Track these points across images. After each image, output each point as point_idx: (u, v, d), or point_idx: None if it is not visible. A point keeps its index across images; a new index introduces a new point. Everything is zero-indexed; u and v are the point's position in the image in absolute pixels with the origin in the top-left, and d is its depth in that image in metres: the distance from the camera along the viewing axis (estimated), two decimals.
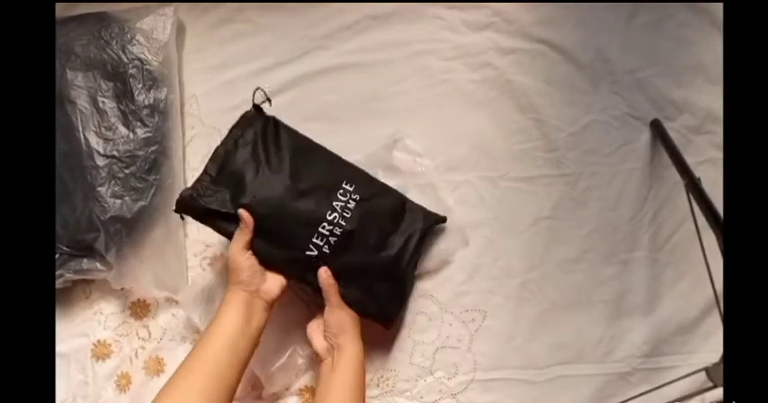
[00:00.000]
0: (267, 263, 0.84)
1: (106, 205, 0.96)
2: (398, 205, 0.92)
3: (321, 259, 0.84)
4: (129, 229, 0.96)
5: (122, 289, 1.02)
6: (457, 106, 1.04)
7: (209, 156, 0.86)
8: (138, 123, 0.99)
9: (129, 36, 1.02)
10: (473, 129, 1.03)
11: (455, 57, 1.06)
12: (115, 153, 0.97)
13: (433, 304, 0.97)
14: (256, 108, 0.89)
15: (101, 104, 0.99)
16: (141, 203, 0.96)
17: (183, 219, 0.90)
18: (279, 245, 0.83)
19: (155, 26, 1.03)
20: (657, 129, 0.99)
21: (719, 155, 1.00)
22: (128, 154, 0.98)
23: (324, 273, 0.84)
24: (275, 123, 0.90)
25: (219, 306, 0.81)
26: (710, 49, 1.03)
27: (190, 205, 0.84)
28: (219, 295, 0.96)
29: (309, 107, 1.07)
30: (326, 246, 0.84)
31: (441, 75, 1.05)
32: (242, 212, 0.82)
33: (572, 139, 1.01)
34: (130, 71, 1.01)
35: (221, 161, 0.85)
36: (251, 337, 0.79)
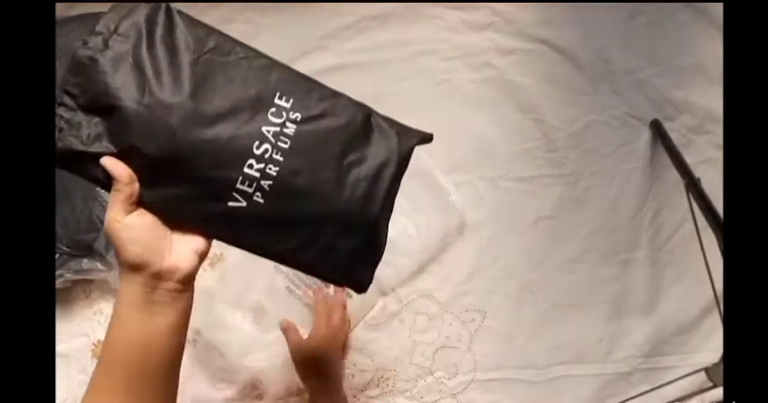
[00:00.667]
0: (173, 221, 0.57)
1: (106, 205, 0.95)
2: (361, 122, 0.63)
3: (253, 212, 0.58)
4: None
5: None
6: (457, 106, 1.04)
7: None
8: None
9: None
10: (473, 129, 1.03)
11: (455, 57, 1.06)
12: None
13: (433, 304, 0.97)
14: None
15: None
16: None
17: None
18: (187, 197, 0.57)
19: None
20: (657, 130, 0.99)
21: (719, 155, 1.00)
22: None
23: (318, 294, 0.84)
24: (168, 12, 0.59)
25: (115, 302, 0.58)
26: (710, 49, 1.03)
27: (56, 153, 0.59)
28: (220, 296, 0.96)
29: None
30: (259, 193, 0.57)
31: (441, 75, 1.05)
32: (106, 163, 0.55)
33: (572, 139, 1.01)
34: None
35: (87, 75, 0.57)
36: (166, 339, 0.56)
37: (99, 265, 0.97)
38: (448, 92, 1.05)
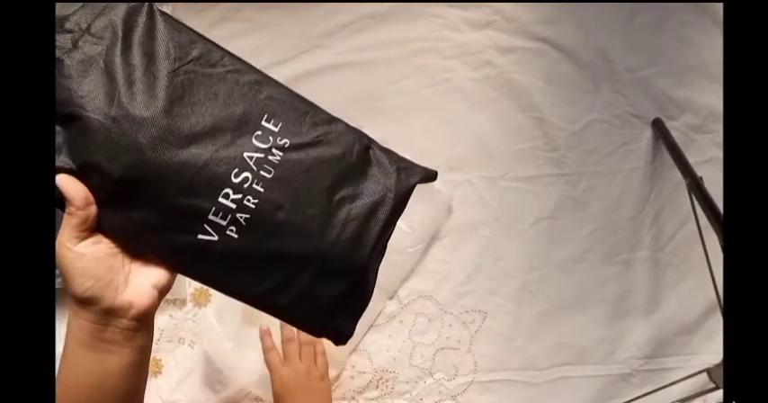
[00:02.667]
0: (133, 250, 0.51)
1: None
2: (357, 154, 0.56)
3: (225, 249, 0.50)
4: None
5: None
6: (457, 105, 1.04)
7: None
8: None
9: None
10: (473, 128, 1.03)
11: (455, 55, 1.05)
12: None
13: (433, 305, 0.97)
14: None
15: None
16: None
17: None
18: (151, 225, 0.50)
19: None
20: (659, 129, 0.99)
21: (721, 154, 1.00)
22: None
23: (265, 335, 0.83)
24: (150, 13, 0.51)
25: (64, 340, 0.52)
26: (712, 48, 1.03)
27: None
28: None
29: None
30: (233, 227, 0.50)
31: (440, 73, 1.05)
32: (62, 182, 0.49)
33: (573, 139, 1.01)
34: None
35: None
36: (121, 378, 0.51)
37: None
38: (448, 91, 1.04)
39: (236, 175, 0.50)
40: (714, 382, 0.72)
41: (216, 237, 0.50)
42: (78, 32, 0.51)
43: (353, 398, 0.93)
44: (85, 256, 0.48)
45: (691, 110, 1.01)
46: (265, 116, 0.52)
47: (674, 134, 0.97)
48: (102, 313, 0.48)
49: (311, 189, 0.52)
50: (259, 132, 0.51)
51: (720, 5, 1.02)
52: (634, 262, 0.97)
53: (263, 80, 0.55)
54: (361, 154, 0.56)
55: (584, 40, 1.04)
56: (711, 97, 1.01)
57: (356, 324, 0.57)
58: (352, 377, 0.94)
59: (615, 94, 1.02)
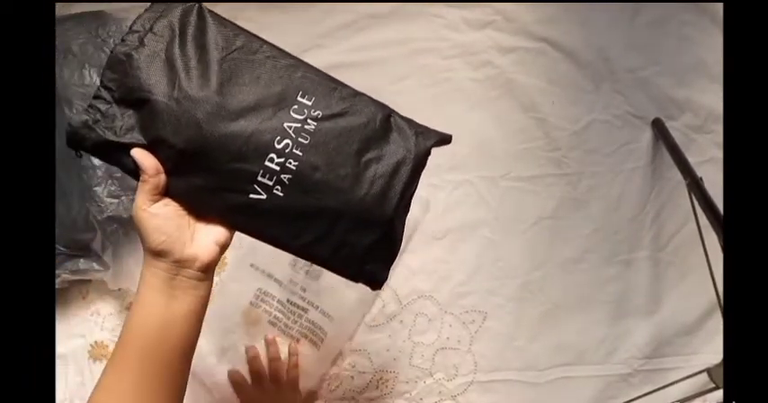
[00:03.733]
0: (196, 211, 0.60)
1: (103, 205, 0.95)
2: (380, 121, 0.64)
3: (273, 205, 0.60)
4: (127, 229, 0.95)
5: (119, 289, 1.01)
6: (457, 105, 1.04)
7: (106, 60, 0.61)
8: None
9: None
10: (474, 128, 1.03)
11: (456, 55, 1.05)
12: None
13: (433, 305, 0.96)
14: None
15: None
16: None
17: (79, 156, 0.64)
18: (210, 188, 0.59)
19: None
20: (659, 129, 0.99)
21: (721, 154, 1.00)
22: None
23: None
24: (200, 12, 0.62)
25: (137, 286, 0.59)
26: (712, 48, 1.03)
27: (84, 137, 0.60)
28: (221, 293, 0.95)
29: None
30: (279, 187, 0.59)
31: (441, 73, 1.05)
32: (137, 154, 0.57)
33: (573, 139, 1.01)
34: None
35: (123, 70, 0.59)
36: (183, 324, 0.59)
37: (95, 265, 0.96)
38: (448, 91, 1.04)
39: (279, 142, 0.59)
40: (714, 382, 0.72)
41: (264, 196, 0.59)
42: (143, 32, 0.60)
43: (353, 398, 0.93)
44: (158, 216, 0.56)
45: (691, 110, 1.01)
46: (300, 92, 0.61)
47: (674, 134, 0.97)
48: (173, 263, 0.57)
49: (342, 152, 0.61)
50: (296, 106, 0.60)
51: (720, 5, 1.02)
52: (634, 262, 0.97)
53: (297, 63, 0.64)
54: (384, 121, 0.64)
55: (585, 41, 1.04)
56: (711, 97, 1.01)
57: (388, 270, 0.65)
58: (352, 377, 0.94)
59: (615, 94, 1.02)
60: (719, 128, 1.01)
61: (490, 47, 1.05)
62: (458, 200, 1.00)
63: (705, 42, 1.04)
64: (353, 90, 0.66)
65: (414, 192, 0.64)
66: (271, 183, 0.59)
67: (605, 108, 1.02)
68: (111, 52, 0.60)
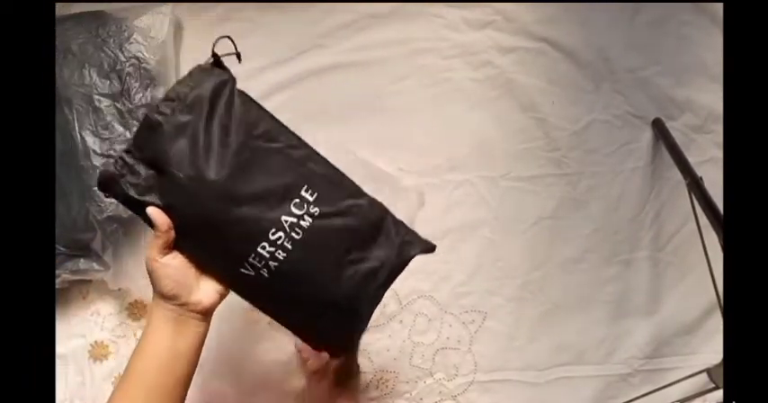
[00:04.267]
0: (197, 266, 0.67)
1: (102, 205, 0.95)
2: (372, 224, 0.69)
3: (258, 281, 0.66)
4: (127, 229, 0.95)
5: (120, 289, 1.01)
6: (457, 105, 1.04)
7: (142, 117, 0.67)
8: (135, 122, 0.98)
9: (126, 34, 1.01)
10: (474, 128, 1.03)
11: (455, 55, 1.05)
12: (112, 152, 0.97)
13: (433, 305, 0.96)
14: (215, 60, 0.69)
15: (97, 103, 0.99)
16: None
17: (107, 196, 0.68)
18: (209, 254, 0.66)
19: (152, 24, 1.02)
20: (659, 129, 0.99)
21: (721, 154, 1.00)
22: None
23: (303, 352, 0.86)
24: (231, 90, 0.67)
25: (146, 321, 0.69)
26: (712, 48, 1.03)
27: (111, 188, 0.65)
28: None
29: (308, 106, 1.06)
30: (265, 271, 0.66)
31: (441, 73, 1.05)
32: (152, 213, 0.64)
33: (573, 139, 1.01)
34: (127, 70, 1.00)
35: (152, 136, 0.64)
36: (186, 358, 0.66)
37: (95, 265, 0.96)
38: (448, 91, 1.04)
39: (273, 234, 0.65)
40: (714, 382, 0.72)
41: (252, 273, 0.66)
42: (177, 103, 0.64)
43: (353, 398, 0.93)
44: (168, 266, 0.64)
45: (691, 110, 1.01)
46: (305, 187, 0.66)
47: (674, 134, 0.97)
48: (179, 305, 0.65)
49: (328, 250, 0.67)
50: (297, 200, 0.66)
51: (720, 5, 1.01)
52: (634, 262, 0.97)
53: (311, 155, 0.69)
54: (376, 224, 0.70)
55: (585, 40, 1.04)
56: (711, 97, 1.01)
57: (346, 343, 0.75)
58: None
59: (616, 94, 1.02)
60: (719, 128, 1.01)
61: (490, 47, 1.05)
62: (458, 200, 1.00)
63: (705, 42, 1.03)
64: (356, 189, 0.70)
65: (385, 291, 0.70)
66: (259, 265, 0.65)
67: (605, 108, 1.02)
68: (146, 116, 0.64)
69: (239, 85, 1.14)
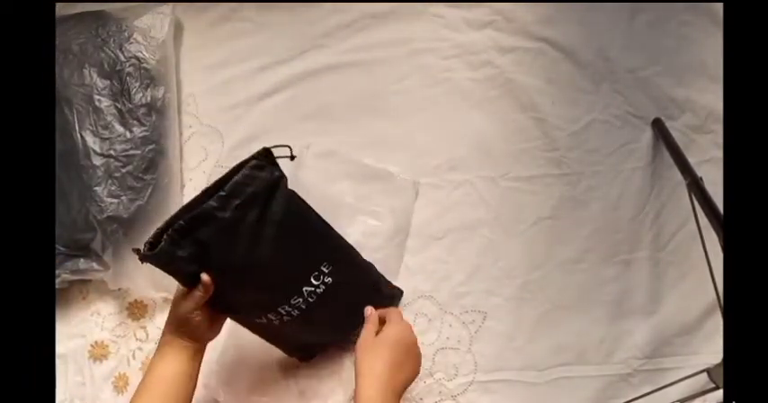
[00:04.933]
0: (219, 310, 0.80)
1: (103, 205, 0.95)
2: (370, 288, 0.90)
3: (272, 326, 0.82)
4: (126, 229, 0.95)
5: (119, 289, 1.02)
6: (457, 105, 1.04)
7: (202, 191, 0.74)
8: (135, 122, 0.99)
9: (126, 34, 1.02)
10: (473, 128, 1.03)
11: (455, 55, 1.05)
12: (112, 152, 0.97)
13: (433, 305, 0.96)
14: (268, 156, 0.77)
15: (97, 103, 0.99)
16: (138, 203, 0.96)
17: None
18: (235, 306, 0.81)
19: (152, 24, 1.03)
20: (659, 129, 0.99)
21: (722, 154, 1.00)
22: (124, 153, 0.97)
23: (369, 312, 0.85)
24: (282, 189, 0.78)
25: (159, 349, 0.78)
26: (712, 48, 1.03)
27: (164, 262, 0.73)
28: None
29: (308, 106, 1.06)
30: (278, 321, 0.81)
31: (441, 73, 1.05)
32: (205, 278, 0.73)
33: (573, 139, 1.01)
34: (127, 69, 1.00)
35: (206, 222, 0.72)
36: (193, 381, 0.79)
37: (95, 265, 0.96)
38: (448, 90, 1.04)
39: (294, 299, 0.79)
40: (714, 382, 0.72)
41: (265, 321, 0.81)
42: (232, 200, 0.72)
43: (353, 398, 0.93)
44: (197, 316, 0.76)
45: (691, 110, 1.01)
46: (325, 263, 0.81)
47: (674, 134, 0.97)
48: (194, 340, 0.78)
49: (335, 309, 0.84)
50: (316, 273, 0.80)
51: (720, 5, 1.01)
52: (634, 262, 0.97)
53: (328, 233, 0.85)
54: (373, 288, 0.91)
55: (585, 40, 1.04)
56: (711, 97, 1.01)
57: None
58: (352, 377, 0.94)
59: (615, 94, 1.02)
60: (719, 128, 1.01)
61: (490, 47, 1.05)
62: (457, 200, 1.00)
63: (705, 42, 1.03)
64: (361, 259, 0.89)
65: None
66: (274, 318, 0.80)
67: (605, 108, 1.02)
68: (204, 206, 0.72)
69: (240, 84, 1.15)
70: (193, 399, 0.79)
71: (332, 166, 1.01)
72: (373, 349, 0.77)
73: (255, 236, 0.74)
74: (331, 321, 0.86)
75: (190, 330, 0.77)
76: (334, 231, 0.85)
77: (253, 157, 0.75)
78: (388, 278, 0.95)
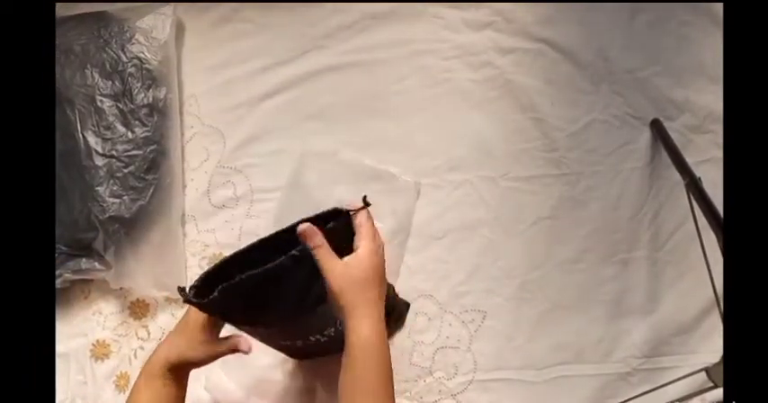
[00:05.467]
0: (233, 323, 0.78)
1: (105, 205, 0.95)
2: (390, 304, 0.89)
3: (293, 347, 0.85)
4: (128, 229, 0.96)
5: (121, 288, 1.02)
6: (457, 106, 1.04)
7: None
8: (137, 122, 0.99)
9: (128, 35, 1.02)
10: (473, 128, 1.03)
11: (455, 56, 1.05)
12: (114, 152, 0.97)
13: (433, 304, 0.97)
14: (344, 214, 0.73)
15: (99, 104, 0.99)
16: (140, 203, 0.96)
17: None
18: (254, 329, 0.79)
19: (154, 25, 1.03)
20: (658, 129, 0.99)
21: (720, 154, 1.00)
22: (126, 153, 0.97)
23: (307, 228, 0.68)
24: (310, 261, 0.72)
25: (148, 360, 0.74)
26: (711, 49, 1.03)
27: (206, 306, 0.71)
28: None
29: (309, 107, 1.06)
30: (300, 343, 0.83)
31: (441, 74, 1.05)
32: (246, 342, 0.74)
33: (572, 139, 1.01)
34: (129, 70, 1.00)
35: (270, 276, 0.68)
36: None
37: (97, 265, 0.97)
38: (448, 91, 1.05)
39: (311, 338, 0.81)
40: (712, 381, 0.72)
41: (288, 343, 0.84)
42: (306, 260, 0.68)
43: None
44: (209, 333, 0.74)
45: (689, 110, 1.02)
46: (338, 322, 0.76)
47: (673, 134, 0.97)
48: (185, 362, 0.74)
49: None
50: (323, 332, 0.80)
51: (720, 5, 1.02)
52: (633, 261, 0.97)
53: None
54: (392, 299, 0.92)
55: (584, 41, 1.04)
56: (710, 98, 1.01)
57: None
58: None
59: (614, 95, 1.02)
60: (718, 128, 1.01)
61: (490, 48, 1.05)
62: (457, 200, 1.00)
63: (704, 43, 1.03)
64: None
65: None
66: (300, 344, 0.83)
67: (604, 108, 1.02)
68: (277, 264, 0.66)
69: (241, 85, 1.15)
70: (196, 400, 0.80)
71: (333, 168, 1.01)
72: (351, 281, 0.67)
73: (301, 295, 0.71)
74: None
75: (190, 360, 0.73)
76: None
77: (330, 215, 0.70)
78: (389, 279, 0.96)
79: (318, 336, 0.80)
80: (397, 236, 0.98)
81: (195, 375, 0.78)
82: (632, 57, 1.03)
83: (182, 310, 0.99)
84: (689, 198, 0.84)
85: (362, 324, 0.66)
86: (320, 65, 1.07)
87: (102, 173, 0.96)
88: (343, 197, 0.95)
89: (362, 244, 0.69)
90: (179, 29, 1.09)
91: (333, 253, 0.67)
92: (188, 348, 0.72)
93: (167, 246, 0.98)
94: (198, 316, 0.73)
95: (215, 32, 1.12)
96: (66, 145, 0.98)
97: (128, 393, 0.98)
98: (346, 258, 0.68)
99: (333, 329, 0.79)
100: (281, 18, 1.09)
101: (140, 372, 0.74)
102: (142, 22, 1.03)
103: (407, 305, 0.97)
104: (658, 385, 0.81)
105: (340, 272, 0.67)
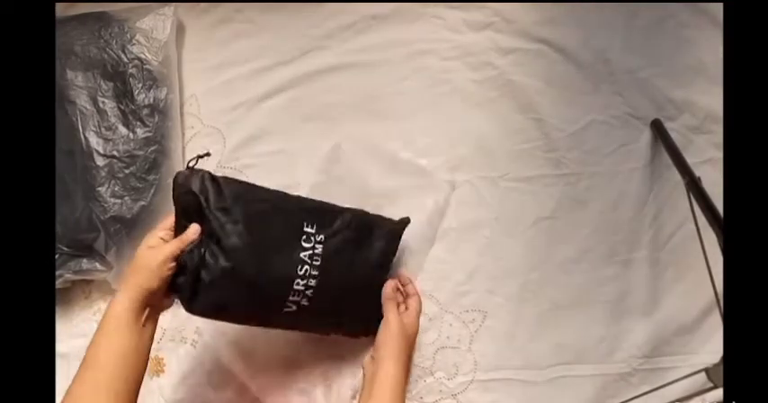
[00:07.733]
0: (233, 319, 0.82)
1: (106, 205, 0.96)
2: (364, 226, 0.88)
3: (300, 312, 0.81)
4: (129, 229, 0.96)
5: None
6: (457, 106, 1.04)
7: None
8: (138, 123, 0.99)
9: (128, 36, 1.02)
10: (473, 129, 1.03)
11: (455, 56, 1.06)
12: (115, 153, 0.97)
13: (433, 304, 0.97)
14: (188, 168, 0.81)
15: (101, 104, 0.99)
16: (141, 203, 0.96)
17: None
18: (251, 311, 0.81)
19: (154, 26, 1.03)
20: (658, 129, 0.99)
21: (720, 154, 1.00)
22: (127, 154, 0.98)
23: (389, 288, 0.90)
24: (211, 178, 0.80)
25: (105, 322, 0.71)
26: (711, 49, 1.03)
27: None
28: None
29: (309, 107, 1.07)
30: (305, 299, 0.81)
31: (441, 74, 1.05)
32: (195, 226, 0.77)
33: (572, 139, 1.01)
34: (130, 71, 1.01)
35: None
36: (146, 358, 0.74)
37: (98, 265, 0.97)
38: (448, 92, 1.05)
39: (300, 270, 0.80)
40: (713, 381, 0.72)
41: (294, 308, 0.81)
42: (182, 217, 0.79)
43: (353, 397, 0.94)
44: (169, 270, 0.74)
45: (689, 110, 1.02)
46: (305, 223, 0.81)
47: (673, 135, 0.97)
48: (149, 303, 0.74)
49: (343, 261, 0.84)
50: (304, 236, 0.81)
51: (720, 5, 1.02)
52: (633, 262, 0.97)
53: (295, 199, 0.85)
54: (366, 225, 0.89)
55: (584, 42, 1.04)
56: (710, 98, 1.01)
57: (376, 324, 0.90)
58: (354, 375, 0.94)
59: (614, 95, 1.03)
60: (718, 128, 1.01)
61: (490, 48, 1.05)
62: (458, 200, 1.00)
63: (704, 43, 1.04)
64: (339, 208, 0.87)
65: (393, 257, 0.91)
66: (299, 299, 0.80)
67: (604, 109, 1.02)
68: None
69: (242, 85, 1.15)
70: (227, 387, 0.83)
71: (368, 158, 1.02)
72: (399, 335, 0.86)
73: (222, 229, 0.76)
74: (351, 275, 0.85)
75: (153, 290, 0.72)
76: (294, 195, 0.85)
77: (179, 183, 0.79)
78: (412, 273, 0.97)
79: (304, 281, 0.80)
80: (425, 233, 0.98)
81: (194, 371, 0.78)
82: (632, 57, 1.04)
83: (182, 311, 0.99)
84: (689, 198, 0.84)
85: (391, 365, 0.83)
86: (320, 65, 1.07)
87: (103, 173, 0.97)
88: (377, 187, 1.00)
89: (413, 306, 0.92)
90: (179, 29, 1.09)
91: (396, 308, 0.89)
92: (146, 279, 0.72)
93: None
94: (150, 255, 0.74)
95: (215, 33, 1.12)
96: (68, 145, 0.98)
97: None
98: (403, 314, 0.90)
99: (308, 266, 0.80)
100: (282, 18, 1.10)
101: (99, 327, 0.72)
102: (142, 22, 1.03)
103: (407, 220, 0.94)
104: (659, 385, 0.81)
105: (396, 324, 0.87)
